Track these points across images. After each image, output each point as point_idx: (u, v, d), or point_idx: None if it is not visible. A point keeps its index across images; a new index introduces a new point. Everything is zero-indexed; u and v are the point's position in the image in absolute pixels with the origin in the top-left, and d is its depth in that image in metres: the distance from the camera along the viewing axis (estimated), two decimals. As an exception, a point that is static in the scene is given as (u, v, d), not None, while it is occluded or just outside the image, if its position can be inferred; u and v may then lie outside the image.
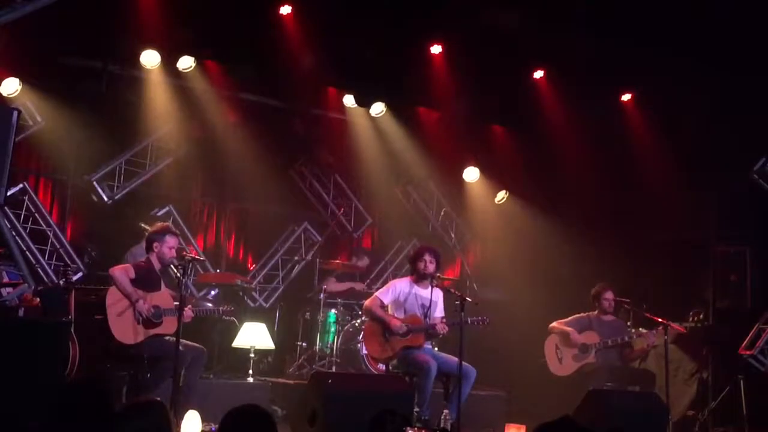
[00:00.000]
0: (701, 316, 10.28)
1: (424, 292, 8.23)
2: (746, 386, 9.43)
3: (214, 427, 7.19)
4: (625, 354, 9.29)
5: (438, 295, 8.33)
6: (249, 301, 11.09)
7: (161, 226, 7.85)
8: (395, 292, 8.24)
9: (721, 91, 9.80)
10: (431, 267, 8.22)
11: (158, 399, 5.30)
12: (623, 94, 11.10)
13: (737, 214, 10.16)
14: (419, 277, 8.26)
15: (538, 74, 10.99)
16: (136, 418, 3.51)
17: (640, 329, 9.53)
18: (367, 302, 8.34)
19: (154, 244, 7.60)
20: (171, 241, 7.61)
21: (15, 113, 6.62)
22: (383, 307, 8.19)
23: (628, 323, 9.72)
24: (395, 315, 8.16)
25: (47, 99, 9.76)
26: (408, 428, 5.64)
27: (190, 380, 7.32)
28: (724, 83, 9.68)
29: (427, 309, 8.18)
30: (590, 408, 7.67)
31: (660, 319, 9.03)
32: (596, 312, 9.37)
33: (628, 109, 11.12)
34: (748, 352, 9.71)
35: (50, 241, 9.96)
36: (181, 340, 7.01)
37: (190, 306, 7.71)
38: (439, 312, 8.33)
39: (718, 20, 9.01)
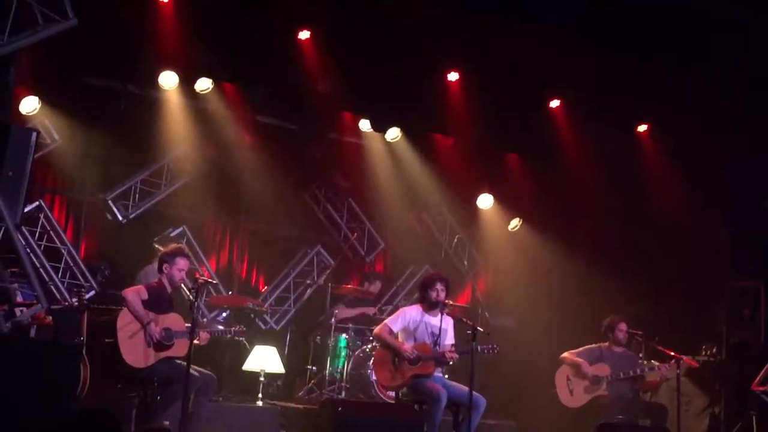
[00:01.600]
0: (714, 350, 10.22)
1: (434, 320, 8.18)
2: (759, 422, 9.36)
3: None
4: (637, 386, 9.24)
5: (448, 323, 8.29)
6: (260, 323, 11.10)
7: (173, 248, 7.85)
8: (405, 320, 8.20)
9: (738, 124, 9.79)
10: (443, 295, 8.20)
11: (167, 425, 5.32)
12: (639, 124, 11.11)
13: (752, 249, 10.12)
14: (430, 306, 8.21)
15: (554, 103, 11.01)
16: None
17: (653, 362, 9.47)
18: (376, 330, 8.31)
19: (165, 266, 7.60)
20: (181, 263, 7.61)
21: (34, 135, 6.69)
22: (392, 334, 8.16)
23: (640, 355, 9.67)
24: (406, 343, 8.13)
25: (65, 118, 9.85)
26: None
27: (199, 405, 7.30)
28: (741, 116, 9.67)
29: (437, 337, 8.13)
30: (601, 442, 7.64)
31: (672, 353, 8.97)
32: (608, 343, 9.31)
33: (644, 140, 11.12)
34: (761, 388, 9.63)
35: (64, 258, 10.00)
36: (192, 366, 7.00)
37: (205, 329, 7.71)
38: (449, 339, 8.29)
39: (734, 50, 9.02)
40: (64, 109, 9.79)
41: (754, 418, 9.37)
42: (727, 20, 8.64)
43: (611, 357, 9.21)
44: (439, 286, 8.20)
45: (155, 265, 8.37)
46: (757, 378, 9.61)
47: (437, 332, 8.11)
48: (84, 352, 6.91)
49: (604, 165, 10.90)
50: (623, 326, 9.28)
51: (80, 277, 9.92)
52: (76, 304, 7.89)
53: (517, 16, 9.17)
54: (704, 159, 10.20)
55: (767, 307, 9.92)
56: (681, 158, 10.52)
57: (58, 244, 10.01)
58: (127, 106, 10.04)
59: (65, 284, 9.83)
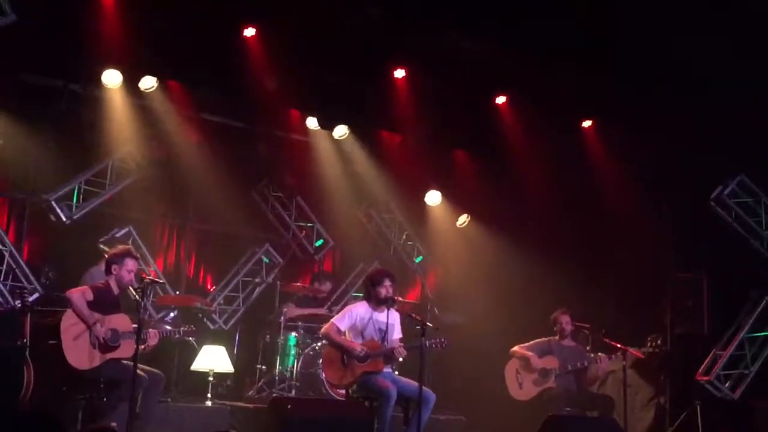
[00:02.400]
0: (659, 341, 10.34)
1: (382, 316, 8.18)
2: (703, 412, 9.53)
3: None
4: (581, 379, 9.33)
5: (394, 318, 8.27)
6: (209, 323, 11.00)
7: (122, 248, 7.76)
8: (352, 318, 8.18)
9: (681, 120, 9.95)
10: (391, 291, 8.20)
11: (114, 426, 5.25)
12: (584, 120, 11.23)
13: (694, 241, 10.29)
14: (377, 302, 8.20)
15: (500, 100, 11.08)
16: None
17: (599, 354, 9.59)
18: (324, 329, 8.28)
19: (113, 267, 7.51)
20: (130, 264, 7.52)
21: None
22: (340, 332, 8.14)
23: (587, 348, 9.77)
24: (354, 341, 8.12)
25: (6, 116, 9.65)
26: None
27: (147, 405, 7.22)
28: (684, 112, 9.83)
29: (384, 333, 8.15)
30: (549, 434, 7.70)
31: (618, 345, 9.10)
32: (557, 337, 9.41)
33: (590, 136, 11.24)
34: (705, 378, 9.83)
35: (6, 260, 9.79)
36: (138, 365, 6.92)
37: (156, 329, 7.63)
38: (396, 334, 8.29)
39: (678, 49, 9.16)
40: (5, 108, 9.58)
41: (698, 407, 9.54)
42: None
43: (560, 350, 9.31)
44: (387, 282, 8.20)
45: (101, 266, 8.26)
46: (701, 368, 9.81)
47: (384, 328, 8.13)
48: (27, 354, 6.78)
49: (551, 161, 11.00)
50: (566, 318, 9.40)
51: (23, 280, 9.72)
52: (18, 306, 7.75)
53: (462, 14, 9.23)
54: (649, 153, 10.34)
55: (710, 298, 10.10)
56: (626, 153, 10.65)
57: (0, 246, 9.81)
58: (70, 105, 9.89)
59: (7, 287, 9.61)
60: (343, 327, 8.12)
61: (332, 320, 8.26)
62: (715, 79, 9.37)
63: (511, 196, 11.60)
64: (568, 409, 8.92)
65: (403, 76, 10.60)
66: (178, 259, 11.50)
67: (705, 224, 10.26)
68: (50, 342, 7.04)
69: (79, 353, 7.08)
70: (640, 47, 9.26)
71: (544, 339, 9.43)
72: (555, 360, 9.20)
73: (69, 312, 7.18)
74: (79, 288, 7.45)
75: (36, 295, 9.60)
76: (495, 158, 11.48)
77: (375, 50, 9.91)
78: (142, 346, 7.18)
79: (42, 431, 3.16)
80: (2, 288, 9.59)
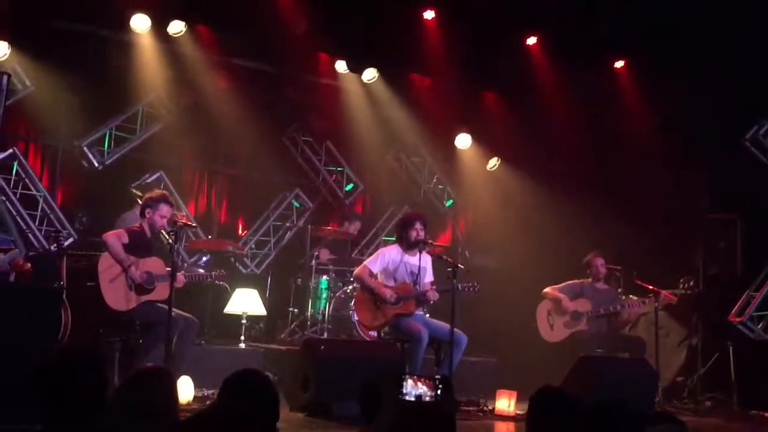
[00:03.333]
0: (691, 283, 10.33)
1: (413, 260, 8.23)
2: (735, 353, 9.52)
3: (207, 392, 7.23)
4: (612, 322, 9.33)
5: (426, 261, 8.33)
6: (241, 268, 11.10)
7: (158, 193, 7.78)
8: (384, 261, 8.23)
9: (713, 57, 9.77)
10: (422, 234, 8.22)
11: (164, 366, 5.32)
12: (616, 60, 11.07)
13: (728, 181, 10.17)
14: (409, 245, 8.24)
15: (531, 40, 10.94)
16: (143, 385, 3.52)
17: (631, 297, 9.59)
18: (356, 271, 8.34)
19: (147, 211, 7.55)
20: (164, 209, 7.55)
21: (5, 77, 6.60)
22: (372, 275, 8.19)
23: (619, 290, 9.76)
24: (386, 283, 8.16)
25: (37, 63, 9.66)
26: (408, 377, 5.68)
27: (181, 349, 7.28)
28: (717, 49, 9.65)
29: (416, 276, 8.19)
30: (580, 375, 7.74)
31: (650, 287, 9.08)
32: (590, 279, 9.40)
33: (622, 76, 11.09)
34: (737, 319, 9.78)
35: (41, 206, 9.90)
36: (173, 309, 7.01)
37: (182, 272, 7.70)
38: (428, 277, 8.34)
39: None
40: (36, 55, 9.59)
41: (731, 348, 9.52)
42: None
43: (592, 293, 9.30)
44: (418, 225, 8.24)
45: (135, 210, 8.35)
46: (734, 309, 9.76)
47: (416, 271, 8.16)
48: (65, 296, 6.87)
49: (582, 102, 10.86)
50: (600, 261, 9.38)
51: (57, 225, 9.82)
52: (54, 249, 7.84)
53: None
54: (680, 93, 10.18)
55: (743, 238, 10.00)
56: (657, 93, 10.50)
57: (34, 192, 9.90)
58: (99, 51, 9.87)
59: (42, 232, 9.75)
60: (375, 269, 8.17)
61: (364, 262, 8.31)
62: (749, 18, 9.17)
63: (542, 139, 11.49)
64: (599, 350, 8.94)
65: (432, 18, 10.48)
66: (210, 204, 11.57)
67: (739, 164, 10.12)
68: (88, 284, 7.14)
69: (116, 295, 7.18)
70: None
71: (576, 281, 9.41)
72: (587, 303, 9.21)
73: (105, 255, 7.26)
74: (115, 231, 7.53)
75: (70, 240, 9.71)
76: (525, 100, 11.35)
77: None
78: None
79: (84, 364, 3.20)
80: (38, 233, 9.72)
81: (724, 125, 10.10)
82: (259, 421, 2.76)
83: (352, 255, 10.79)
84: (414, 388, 5.57)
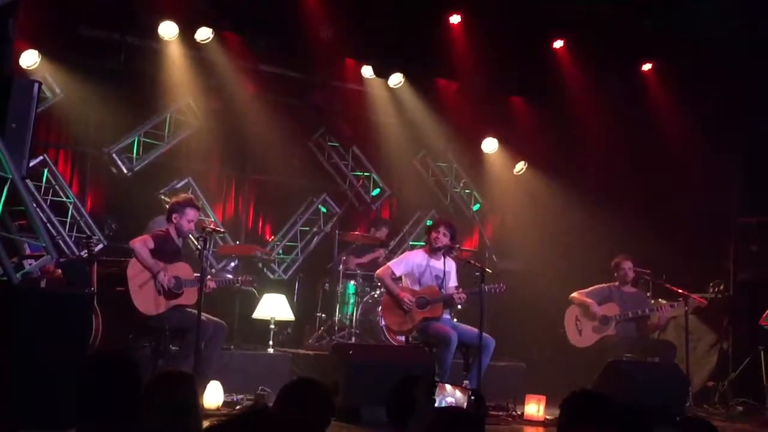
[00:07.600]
0: (722, 287, 10.24)
1: (438, 264, 8.26)
2: (767, 358, 9.41)
3: (236, 397, 7.26)
4: (641, 327, 9.26)
5: (450, 266, 8.33)
6: (268, 273, 11.13)
7: (184, 198, 7.84)
8: (408, 265, 8.24)
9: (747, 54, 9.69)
10: (444, 240, 8.22)
11: (187, 371, 5.36)
12: (644, 63, 11.01)
13: (759, 184, 10.08)
14: (433, 250, 8.27)
15: (558, 44, 10.92)
16: (167, 389, 3.53)
17: (660, 300, 9.51)
18: (378, 271, 8.37)
19: (174, 215, 7.59)
20: (191, 213, 7.59)
21: (36, 85, 6.64)
22: (394, 277, 8.20)
23: (648, 294, 9.69)
24: (412, 288, 8.16)
25: (66, 71, 9.76)
26: (440, 384, 5.65)
27: (210, 354, 7.32)
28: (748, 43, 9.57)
29: (441, 280, 8.20)
30: (610, 380, 7.71)
31: (680, 291, 9.00)
32: (617, 283, 9.33)
33: (650, 78, 11.03)
34: (768, 324, 9.68)
35: (70, 212, 9.98)
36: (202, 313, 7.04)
37: (210, 277, 7.74)
38: (452, 282, 8.35)
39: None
40: (65, 63, 9.69)
41: (762, 352, 9.42)
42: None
43: (621, 297, 9.23)
44: (442, 230, 8.26)
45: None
46: (765, 313, 9.65)
47: (441, 275, 8.18)
48: (95, 302, 6.93)
49: (609, 105, 10.83)
50: (629, 264, 9.29)
51: (87, 231, 9.90)
52: (85, 255, 7.91)
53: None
54: (708, 95, 10.11)
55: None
56: (685, 96, 10.43)
57: (64, 198, 9.99)
58: (127, 58, 9.94)
59: (72, 238, 9.83)
60: (398, 272, 8.19)
61: (388, 263, 8.36)
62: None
63: (569, 143, 11.45)
64: (628, 355, 8.86)
65: (458, 22, 10.48)
66: (237, 209, 11.60)
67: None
68: (118, 289, 7.19)
69: (146, 300, 7.23)
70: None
71: (604, 285, 9.34)
72: (615, 307, 9.13)
73: (133, 260, 7.31)
74: (141, 237, 7.57)
75: (100, 246, 9.78)
76: (552, 104, 11.33)
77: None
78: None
79: (119, 369, 3.23)
80: (68, 239, 9.80)
81: (755, 126, 10.01)
82: (305, 427, 2.74)
83: (380, 260, 10.77)
84: (446, 395, 5.55)
